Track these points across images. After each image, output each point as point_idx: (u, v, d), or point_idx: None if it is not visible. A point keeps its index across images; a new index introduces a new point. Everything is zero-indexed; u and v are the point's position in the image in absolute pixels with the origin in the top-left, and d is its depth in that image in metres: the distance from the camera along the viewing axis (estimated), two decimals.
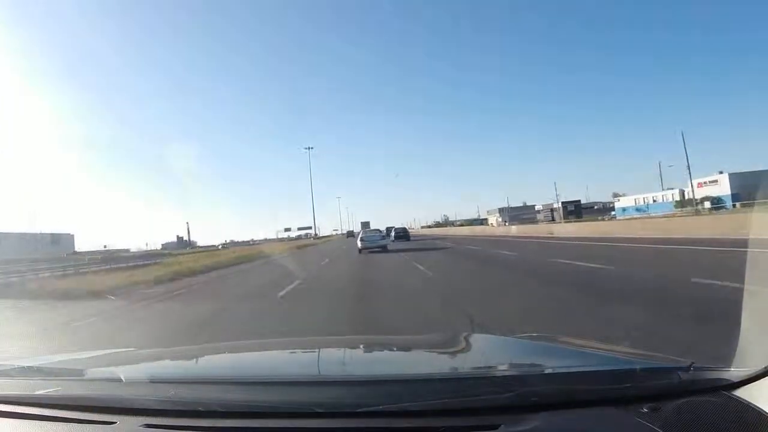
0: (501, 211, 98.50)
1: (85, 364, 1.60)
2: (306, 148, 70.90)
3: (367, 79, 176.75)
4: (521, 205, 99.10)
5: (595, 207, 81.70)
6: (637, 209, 60.91)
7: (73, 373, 1.45)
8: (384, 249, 23.78)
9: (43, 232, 69.76)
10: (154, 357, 1.92)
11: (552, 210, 71.26)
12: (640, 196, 64.10)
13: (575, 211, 68.45)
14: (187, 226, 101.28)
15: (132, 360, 1.79)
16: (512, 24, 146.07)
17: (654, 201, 60.69)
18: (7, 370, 1.45)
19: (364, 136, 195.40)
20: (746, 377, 1.01)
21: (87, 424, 1.08)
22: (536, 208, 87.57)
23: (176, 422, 1.05)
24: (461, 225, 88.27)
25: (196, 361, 1.88)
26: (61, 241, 73.13)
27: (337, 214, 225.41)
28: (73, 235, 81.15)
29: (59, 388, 1.23)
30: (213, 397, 1.13)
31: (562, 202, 69.65)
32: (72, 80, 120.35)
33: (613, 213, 68.48)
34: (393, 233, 42.28)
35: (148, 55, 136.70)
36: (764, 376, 0.99)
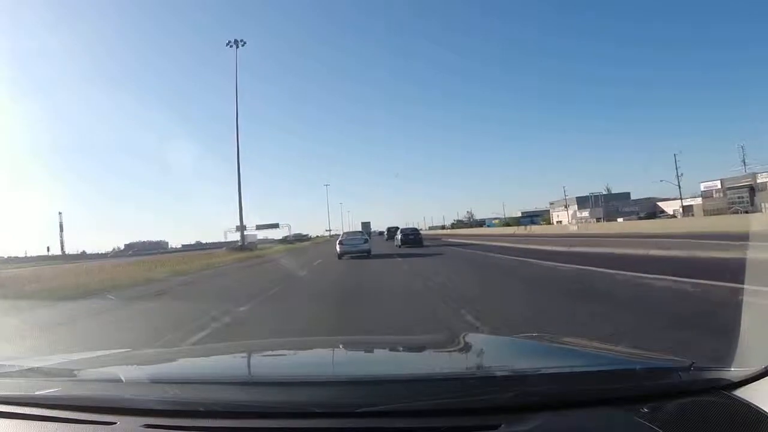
0: (581, 201, 66.97)
1: (85, 365, 1.60)
2: (229, 43, 39.61)
3: (379, 69, 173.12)
4: (605, 192, 67.18)
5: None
6: None
7: (73, 374, 1.45)
8: (368, 254, 20.05)
9: None
10: (154, 357, 1.92)
11: (753, 188, 40.67)
12: None
13: None
14: (60, 217, 67.17)
15: (132, 360, 1.79)
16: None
17: None
18: (7, 370, 1.45)
19: (368, 130, 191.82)
20: (746, 377, 1.01)
21: (87, 425, 1.08)
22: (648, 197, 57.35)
23: (176, 422, 1.05)
24: (507, 224, 62.25)
25: (196, 361, 1.88)
26: None
27: (338, 215, 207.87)
28: None
29: (59, 389, 1.23)
30: (213, 397, 1.13)
31: None
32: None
33: None
34: (400, 235, 30.85)
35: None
36: (764, 376, 0.99)
